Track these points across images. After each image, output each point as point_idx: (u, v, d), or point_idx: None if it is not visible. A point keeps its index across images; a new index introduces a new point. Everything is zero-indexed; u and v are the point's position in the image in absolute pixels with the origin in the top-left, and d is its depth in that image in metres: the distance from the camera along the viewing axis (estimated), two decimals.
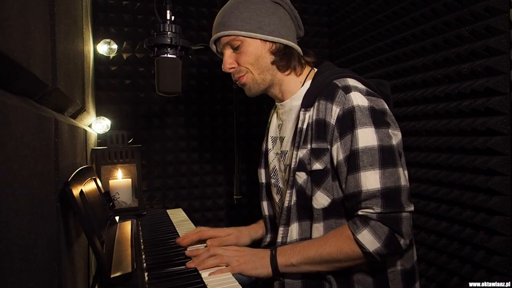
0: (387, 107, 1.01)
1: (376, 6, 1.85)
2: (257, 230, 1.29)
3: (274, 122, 1.24)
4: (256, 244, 1.27)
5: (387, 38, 1.80)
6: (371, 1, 1.89)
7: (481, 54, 1.27)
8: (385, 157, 0.92)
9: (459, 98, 1.37)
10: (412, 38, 1.62)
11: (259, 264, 0.98)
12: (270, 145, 1.23)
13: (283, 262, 0.97)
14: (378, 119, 0.95)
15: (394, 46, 1.75)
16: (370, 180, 0.91)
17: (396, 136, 1.00)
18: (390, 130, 0.97)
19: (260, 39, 1.05)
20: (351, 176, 0.94)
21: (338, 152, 0.96)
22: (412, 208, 0.93)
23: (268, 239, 1.25)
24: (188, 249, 1.08)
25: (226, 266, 0.96)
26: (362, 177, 0.92)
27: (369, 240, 0.90)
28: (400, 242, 0.91)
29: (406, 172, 1.02)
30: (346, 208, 0.99)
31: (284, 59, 1.08)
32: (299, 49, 1.11)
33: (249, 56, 1.06)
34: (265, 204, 1.27)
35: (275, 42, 1.06)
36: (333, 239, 0.95)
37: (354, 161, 0.93)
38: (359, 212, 0.93)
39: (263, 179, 1.27)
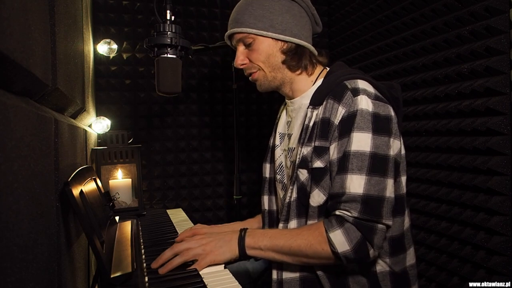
0: (393, 113, 1.00)
1: (376, 6, 1.85)
2: (252, 224, 1.29)
3: (283, 118, 1.24)
4: None
5: (387, 38, 1.80)
6: (371, 1, 1.89)
7: (481, 54, 1.27)
8: (375, 164, 0.92)
9: (459, 98, 1.37)
10: (412, 38, 1.62)
11: (226, 248, 0.97)
12: (278, 141, 1.24)
13: (251, 244, 0.97)
14: (379, 126, 0.94)
15: (394, 46, 1.75)
16: (355, 183, 0.91)
17: (395, 145, 0.99)
18: (391, 139, 0.97)
19: (272, 38, 1.06)
20: (338, 176, 0.95)
21: (334, 151, 0.97)
22: (390, 222, 0.92)
23: None
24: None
25: (193, 262, 0.94)
26: (348, 179, 0.92)
27: (340, 240, 0.89)
28: (369, 251, 0.90)
29: (404, 178, 1.03)
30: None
31: (294, 58, 1.08)
32: (312, 48, 1.11)
33: (260, 54, 1.07)
34: (265, 199, 1.27)
35: (286, 41, 1.07)
36: (306, 233, 0.95)
37: (344, 162, 0.94)
38: (337, 212, 0.93)
39: (267, 174, 1.28)
